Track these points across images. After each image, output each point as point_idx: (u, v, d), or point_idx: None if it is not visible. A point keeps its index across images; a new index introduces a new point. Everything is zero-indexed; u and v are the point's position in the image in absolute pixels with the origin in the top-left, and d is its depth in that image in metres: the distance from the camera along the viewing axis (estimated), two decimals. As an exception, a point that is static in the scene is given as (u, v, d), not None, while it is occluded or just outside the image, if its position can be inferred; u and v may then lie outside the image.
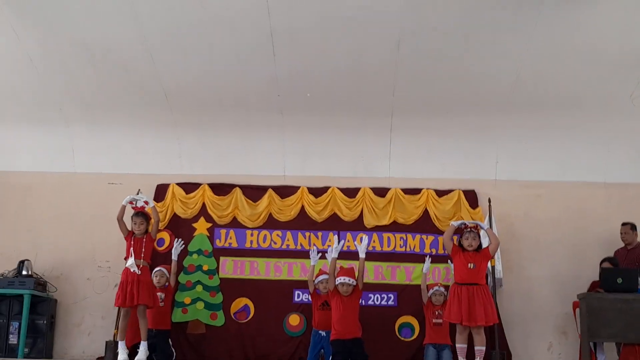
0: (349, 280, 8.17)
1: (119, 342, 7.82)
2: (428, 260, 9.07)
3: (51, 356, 9.61)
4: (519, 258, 9.84)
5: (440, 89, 9.58)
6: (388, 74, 9.37)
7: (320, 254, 8.95)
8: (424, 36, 8.78)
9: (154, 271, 8.91)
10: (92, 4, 8.50)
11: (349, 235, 9.99)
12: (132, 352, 8.02)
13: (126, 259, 8.09)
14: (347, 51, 9.06)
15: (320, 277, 8.85)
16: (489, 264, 8.58)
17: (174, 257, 9.31)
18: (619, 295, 8.00)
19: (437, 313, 8.82)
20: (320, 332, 8.76)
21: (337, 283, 8.19)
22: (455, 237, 8.16)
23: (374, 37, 8.81)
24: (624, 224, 9.37)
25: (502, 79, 9.39)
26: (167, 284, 9.14)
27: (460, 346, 7.38)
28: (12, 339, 9.26)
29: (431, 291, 9.00)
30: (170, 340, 9.14)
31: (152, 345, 8.66)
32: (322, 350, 8.72)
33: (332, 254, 8.43)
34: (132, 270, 7.88)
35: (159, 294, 8.84)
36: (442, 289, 8.99)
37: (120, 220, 8.20)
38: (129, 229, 8.22)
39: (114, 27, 8.82)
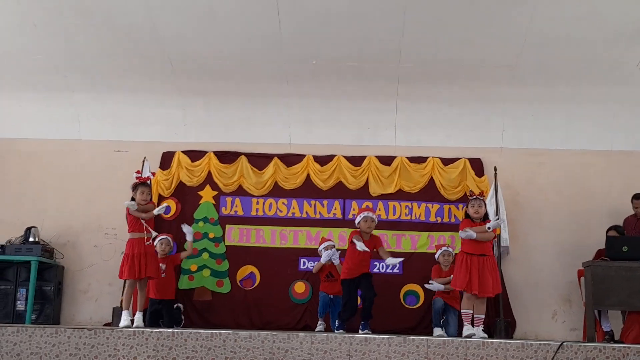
0: (373, 215, 8.26)
1: (123, 311, 7.84)
2: (434, 285, 8.82)
3: (59, 322, 9.70)
4: (524, 226, 9.85)
5: (446, 56, 9.53)
6: (394, 42, 9.32)
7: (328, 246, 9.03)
8: (430, 3, 8.71)
9: (158, 239, 8.90)
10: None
11: (354, 204, 10.01)
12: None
13: (130, 232, 7.96)
14: (352, 18, 9.00)
15: (326, 244, 9.01)
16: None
17: (189, 239, 9.23)
18: (624, 263, 7.99)
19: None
20: (328, 295, 8.95)
21: (360, 219, 8.23)
22: (461, 206, 8.14)
23: (379, 2, 8.74)
24: (638, 197, 9.29)
25: (506, 48, 9.34)
26: (170, 252, 9.15)
27: (466, 311, 7.41)
28: (20, 305, 9.33)
29: (439, 252, 9.04)
30: (181, 308, 9.22)
31: (158, 312, 8.75)
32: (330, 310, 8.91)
33: (321, 259, 8.77)
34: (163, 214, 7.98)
35: (160, 264, 8.82)
36: (450, 249, 9.05)
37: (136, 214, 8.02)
38: (135, 201, 8.05)
39: (119, -6, 8.77)
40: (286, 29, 9.17)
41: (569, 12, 8.74)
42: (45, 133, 10.42)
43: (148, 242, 7.88)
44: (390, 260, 8.17)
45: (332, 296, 8.93)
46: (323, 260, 8.90)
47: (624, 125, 10.10)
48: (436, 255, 9.14)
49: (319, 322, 8.99)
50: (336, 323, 8.43)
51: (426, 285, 8.90)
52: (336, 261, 8.92)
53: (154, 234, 8.03)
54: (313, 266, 9.43)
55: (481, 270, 7.32)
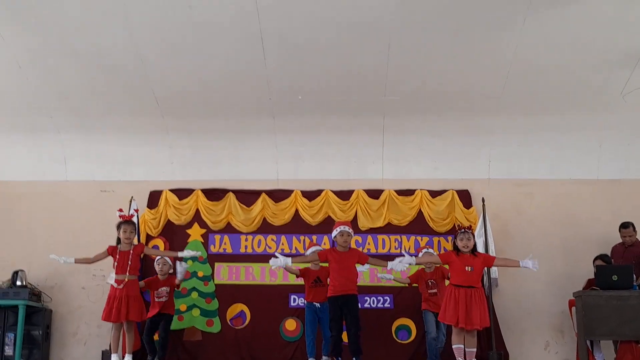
0: (348, 229, 8.03)
1: (112, 355, 7.75)
2: (397, 264, 7.78)
3: (47, 366, 9.59)
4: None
5: (432, 88, 9.57)
6: (379, 75, 9.36)
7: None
8: (414, 36, 8.76)
9: (156, 260, 8.87)
10: (82, 9, 8.42)
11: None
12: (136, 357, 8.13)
13: (115, 273, 7.94)
14: (337, 52, 9.04)
15: (311, 249, 8.97)
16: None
17: (179, 277, 8.99)
18: (615, 292, 7.98)
19: (430, 283, 8.83)
20: (314, 304, 8.78)
21: (336, 233, 8.01)
22: (450, 238, 8.09)
23: (364, 37, 8.78)
24: (626, 226, 9.33)
25: (492, 78, 9.39)
26: (170, 271, 8.99)
27: (457, 347, 7.35)
28: (8, 350, 9.21)
29: (421, 253, 8.94)
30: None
31: (157, 324, 8.72)
32: (319, 323, 8.76)
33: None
34: (113, 285, 7.79)
35: (163, 288, 8.81)
36: (431, 250, 9.10)
37: (93, 260, 8.12)
38: (116, 241, 8.09)
39: (104, 33, 8.77)
40: (271, 64, 9.19)
41: (553, 41, 8.80)
42: (32, 174, 10.41)
43: (114, 285, 7.80)
44: (395, 265, 7.71)
45: (319, 305, 8.71)
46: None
47: (609, 153, 10.16)
48: (420, 255, 8.90)
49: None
50: (327, 358, 8.34)
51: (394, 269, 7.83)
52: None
53: (130, 277, 7.91)
54: (304, 302, 9.19)
55: (468, 302, 7.28)
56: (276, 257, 7.90)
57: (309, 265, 8.96)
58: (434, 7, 8.36)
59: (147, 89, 9.62)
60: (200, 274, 9.93)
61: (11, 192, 10.37)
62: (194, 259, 9.96)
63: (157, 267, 8.91)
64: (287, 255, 8.02)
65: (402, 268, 7.71)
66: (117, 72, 9.40)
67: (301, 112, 10.00)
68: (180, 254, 8.20)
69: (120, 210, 8.36)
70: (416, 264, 7.97)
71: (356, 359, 7.84)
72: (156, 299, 8.83)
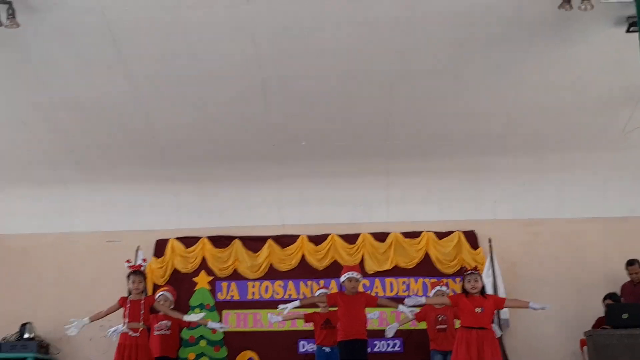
0: (357, 275, 8.06)
1: None
2: (404, 307, 7.89)
3: (57, 420, 9.52)
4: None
5: (434, 131, 9.60)
6: (381, 119, 9.40)
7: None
8: (415, 81, 8.80)
9: (157, 296, 8.79)
10: (82, 62, 8.47)
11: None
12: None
13: (125, 323, 7.84)
14: (339, 98, 9.08)
15: (319, 292, 9.07)
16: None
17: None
18: (626, 330, 7.92)
19: (439, 319, 8.70)
20: (324, 348, 8.76)
21: (344, 279, 8.04)
22: (458, 280, 8.06)
23: (366, 82, 8.82)
24: (631, 263, 9.30)
25: (494, 119, 9.41)
26: (172, 306, 8.89)
27: (469, 391, 7.28)
28: (18, 406, 9.17)
29: (433, 291, 8.92)
30: None
31: None
32: None
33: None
34: (129, 334, 7.73)
35: (164, 322, 8.73)
36: (445, 289, 8.97)
37: (106, 314, 8.04)
38: (127, 292, 8.06)
39: (106, 85, 8.80)
40: (274, 112, 9.24)
41: (554, 82, 8.81)
42: (39, 227, 10.43)
43: (136, 334, 7.72)
44: (409, 302, 7.63)
45: (329, 349, 8.70)
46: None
47: (615, 191, 10.15)
48: (431, 294, 8.98)
49: None
50: None
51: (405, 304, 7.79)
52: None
53: (142, 326, 7.85)
54: (313, 348, 9.18)
55: (480, 345, 7.22)
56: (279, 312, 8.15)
57: (318, 310, 8.94)
58: (434, 53, 8.39)
59: (151, 139, 9.67)
60: (210, 320, 9.86)
61: (18, 245, 10.40)
62: (201, 306, 9.96)
63: (158, 305, 8.70)
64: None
65: (413, 309, 7.79)
66: (122, 123, 9.44)
67: (305, 158, 10.03)
68: (185, 318, 8.15)
69: (128, 261, 8.35)
70: (426, 303, 7.99)
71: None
72: (155, 332, 8.67)
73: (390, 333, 8.68)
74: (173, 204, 10.41)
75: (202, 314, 8.28)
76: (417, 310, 8.31)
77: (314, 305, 8.98)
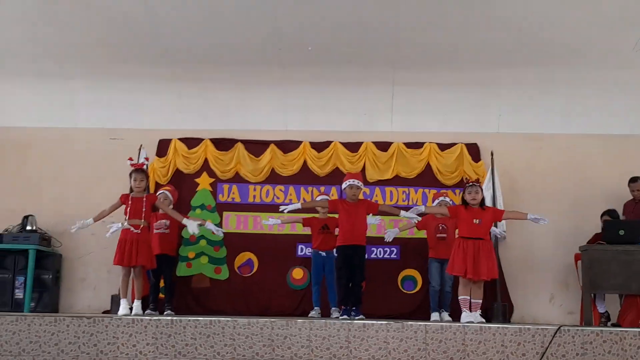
0: (358, 182, 8.14)
1: (121, 300, 7.82)
2: (408, 214, 7.92)
3: (57, 310, 9.72)
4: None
5: (443, 40, 9.48)
6: (390, 27, 9.27)
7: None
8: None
9: (157, 194, 8.86)
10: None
11: None
12: (145, 304, 8.27)
13: (126, 219, 7.92)
14: (349, 3, 8.92)
15: (320, 197, 9.12)
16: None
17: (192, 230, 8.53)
18: (621, 246, 8.00)
19: (440, 227, 8.82)
20: (320, 252, 8.95)
21: (346, 186, 8.14)
22: (458, 191, 8.13)
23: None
24: (634, 180, 9.32)
25: (503, 30, 9.27)
26: (171, 206, 8.94)
27: (463, 298, 7.42)
28: (18, 294, 9.35)
29: (436, 202, 9.02)
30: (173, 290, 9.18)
31: (159, 268, 8.62)
32: (324, 270, 8.91)
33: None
34: (130, 229, 7.81)
35: (163, 221, 8.85)
36: (448, 199, 9.06)
37: (109, 212, 8.10)
38: (129, 190, 8.11)
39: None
40: (281, 15, 9.12)
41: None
42: (42, 121, 10.41)
43: (137, 230, 7.82)
44: (405, 214, 7.99)
45: (324, 253, 8.88)
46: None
47: (621, 109, 10.09)
48: (434, 203, 9.09)
49: (314, 309, 8.96)
50: (336, 309, 8.48)
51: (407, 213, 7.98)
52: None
53: (144, 223, 7.94)
54: (311, 252, 9.33)
55: (476, 254, 7.34)
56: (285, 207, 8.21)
57: (316, 215, 9.04)
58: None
59: (157, 38, 9.58)
60: (209, 222, 9.95)
61: (20, 138, 10.41)
62: (202, 207, 10.06)
63: (158, 202, 8.66)
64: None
65: (413, 216, 7.92)
66: (126, 21, 9.33)
67: (311, 63, 9.94)
68: (184, 221, 8.19)
69: (131, 159, 8.38)
70: (425, 212, 8.12)
71: (356, 308, 7.94)
72: (155, 231, 8.77)
73: (389, 237, 8.83)
74: (176, 104, 10.35)
75: (198, 222, 8.25)
76: (419, 218, 8.40)
77: (314, 209, 9.07)
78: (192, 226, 8.12)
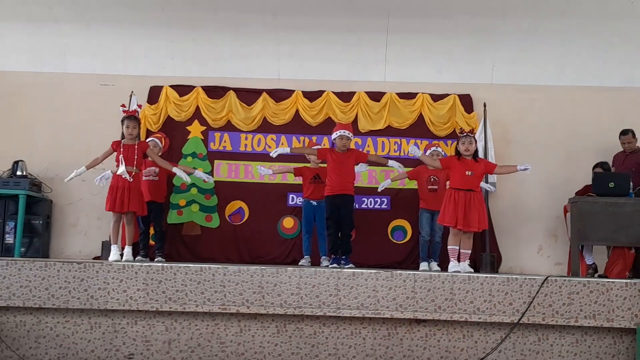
0: (348, 133, 8.15)
1: (112, 246, 7.86)
2: (414, 148, 7.98)
3: (48, 255, 9.74)
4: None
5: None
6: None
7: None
8: None
9: (147, 141, 8.78)
10: None
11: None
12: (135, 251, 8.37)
13: (117, 166, 7.96)
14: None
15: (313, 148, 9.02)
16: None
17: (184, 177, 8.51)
18: (610, 199, 8.02)
19: (432, 179, 8.81)
20: (311, 201, 8.97)
21: (336, 136, 8.14)
22: (450, 142, 8.15)
23: None
24: (625, 133, 9.30)
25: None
26: (160, 154, 8.93)
27: (453, 248, 7.47)
28: (9, 239, 9.36)
29: (428, 152, 8.97)
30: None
31: (148, 215, 8.63)
32: (315, 220, 8.94)
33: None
34: (123, 177, 7.81)
35: (152, 168, 8.80)
36: (440, 149, 9.06)
37: (101, 160, 8.07)
38: (120, 136, 8.10)
39: None
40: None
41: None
42: (32, 66, 10.29)
43: (125, 177, 7.81)
44: (393, 163, 8.28)
45: (316, 203, 8.89)
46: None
47: (616, 60, 10.03)
48: (427, 153, 8.95)
49: (304, 258, 9.00)
50: (326, 258, 8.55)
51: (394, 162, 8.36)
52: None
53: (136, 170, 7.95)
54: (302, 201, 9.33)
55: (467, 205, 7.38)
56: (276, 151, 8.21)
57: (308, 164, 9.04)
58: None
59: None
60: (199, 170, 9.95)
61: (10, 83, 10.28)
62: (193, 155, 10.03)
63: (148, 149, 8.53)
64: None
65: (400, 165, 8.17)
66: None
67: (304, 11, 9.85)
68: (174, 170, 8.19)
69: (123, 105, 8.32)
70: (420, 158, 8.11)
71: (345, 257, 8.00)
72: (144, 178, 8.71)
73: (381, 188, 8.86)
74: (168, 51, 10.24)
75: (185, 174, 8.26)
76: (406, 169, 8.41)
77: (303, 156, 9.05)
78: (183, 175, 8.11)
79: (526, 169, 7.72)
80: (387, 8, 9.68)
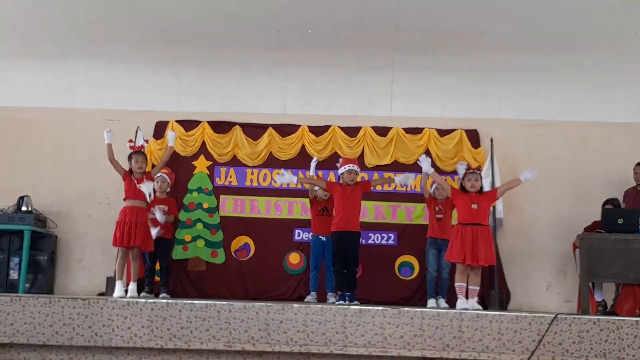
0: (356, 167, 8.22)
1: (117, 282, 7.78)
2: (426, 159, 7.92)
3: (52, 292, 9.69)
4: (520, 198, 9.79)
5: (444, 25, 9.42)
6: (391, 9, 9.21)
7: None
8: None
9: (156, 177, 8.72)
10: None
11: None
12: (140, 287, 8.29)
13: (125, 199, 7.92)
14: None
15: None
16: (490, 204, 8.54)
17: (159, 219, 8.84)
18: (619, 235, 7.94)
19: (438, 208, 8.78)
20: (320, 237, 8.89)
21: (344, 170, 8.17)
22: (457, 177, 8.11)
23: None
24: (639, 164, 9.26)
25: (505, 15, 9.22)
26: (168, 189, 9.05)
27: (460, 285, 7.39)
28: (13, 275, 9.31)
29: (434, 185, 8.89)
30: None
31: (155, 251, 8.61)
32: (323, 256, 8.87)
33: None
34: (146, 193, 7.84)
35: (161, 205, 8.81)
36: (463, 166, 8.98)
37: (112, 160, 8.01)
38: (126, 168, 8.09)
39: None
40: (281, -3, 9.06)
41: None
42: (39, 101, 10.32)
43: (149, 192, 7.90)
44: (401, 180, 8.34)
45: (325, 238, 8.78)
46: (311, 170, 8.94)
47: (623, 96, 10.02)
48: (431, 189, 8.94)
49: (310, 294, 8.90)
50: (332, 294, 8.49)
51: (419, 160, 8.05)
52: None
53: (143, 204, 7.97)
54: (309, 237, 9.26)
55: (474, 239, 7.31)
56: (282, 174, 8.30)
57: (317, 194, 8.99)
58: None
59: (155, 19, 9.53)
60: (205, 205, 9.96)
61: (16, 118, 10.31)
62: (199, 190, 10.01)
63: (156, 185, 8.62)
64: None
65: (409, 182, 8.40)
66: (125, 0, 9.28)
67: (310, 47, 9.88)
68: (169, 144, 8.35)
69: (131, 140, 8.34)
70: (430, 177, 8.17)
71: (350, 293, 7.95)
72: (150, 216, 8.65)
73: (400, 182, 8.63)
74: (174, 86, 10.28)
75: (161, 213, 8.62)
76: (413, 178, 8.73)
77: (312, 186, 8.98)
78: (158, 213, 8.58)
79: (532, 176, 7.69)
80: (393, 44, 9.70)
